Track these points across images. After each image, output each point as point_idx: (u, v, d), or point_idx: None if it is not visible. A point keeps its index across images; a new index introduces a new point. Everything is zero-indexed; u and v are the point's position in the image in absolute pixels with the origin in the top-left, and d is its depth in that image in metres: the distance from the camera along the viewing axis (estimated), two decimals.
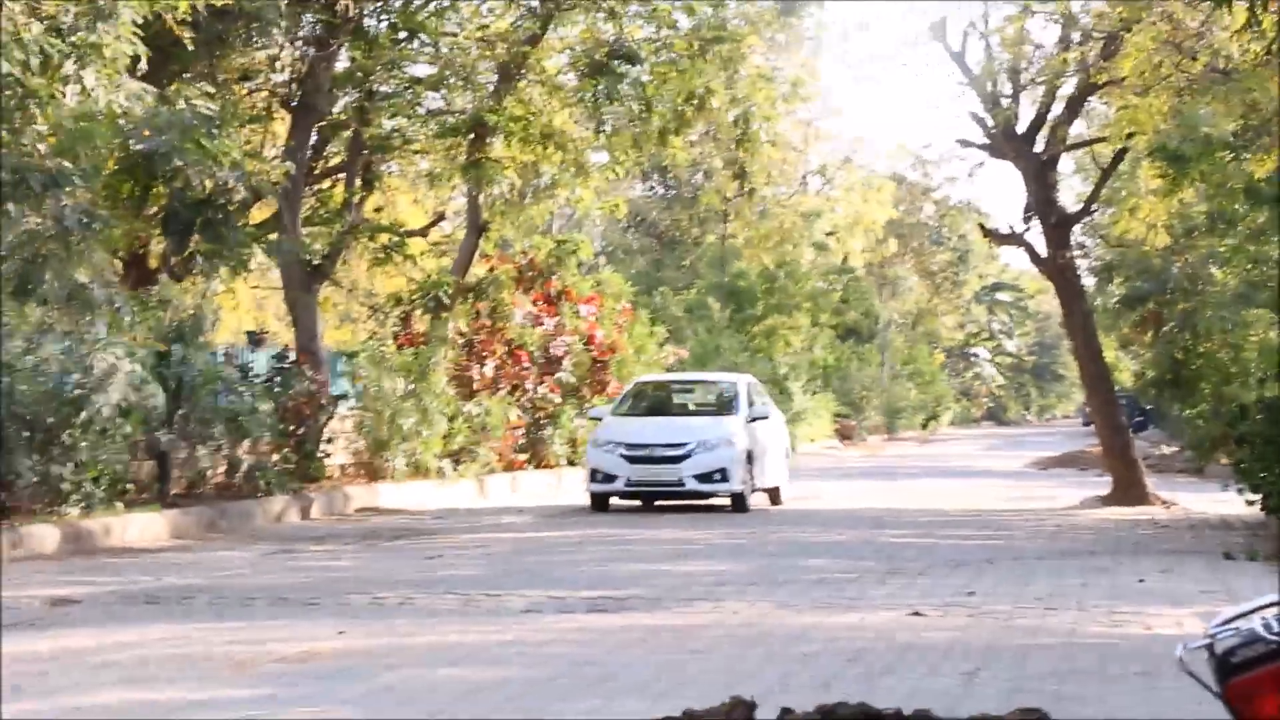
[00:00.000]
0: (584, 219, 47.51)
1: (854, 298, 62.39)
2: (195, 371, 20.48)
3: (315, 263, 25.33)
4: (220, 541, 17.97)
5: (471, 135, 26.55)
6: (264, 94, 26.47)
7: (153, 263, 24.42)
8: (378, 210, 29.22)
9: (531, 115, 26.55)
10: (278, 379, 23.13)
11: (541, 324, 30.90)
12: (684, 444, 22.73)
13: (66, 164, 16.11)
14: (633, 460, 22.69)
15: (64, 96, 16.20)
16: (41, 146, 16.40)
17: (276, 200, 23.89)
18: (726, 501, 23.02)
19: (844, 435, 58.78)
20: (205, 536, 18.58)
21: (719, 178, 47.83)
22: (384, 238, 27.23)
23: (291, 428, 22.95)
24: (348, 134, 26.76)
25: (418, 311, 28.56)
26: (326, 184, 28.05)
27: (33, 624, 11.11)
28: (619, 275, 38.28)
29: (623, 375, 32.39)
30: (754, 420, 23.84)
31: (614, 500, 23.30)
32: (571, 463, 30.58)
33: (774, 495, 24.67)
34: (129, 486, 18.95)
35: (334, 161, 27.87)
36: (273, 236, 23.00)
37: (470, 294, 29.09)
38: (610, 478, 22.80)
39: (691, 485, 22.65)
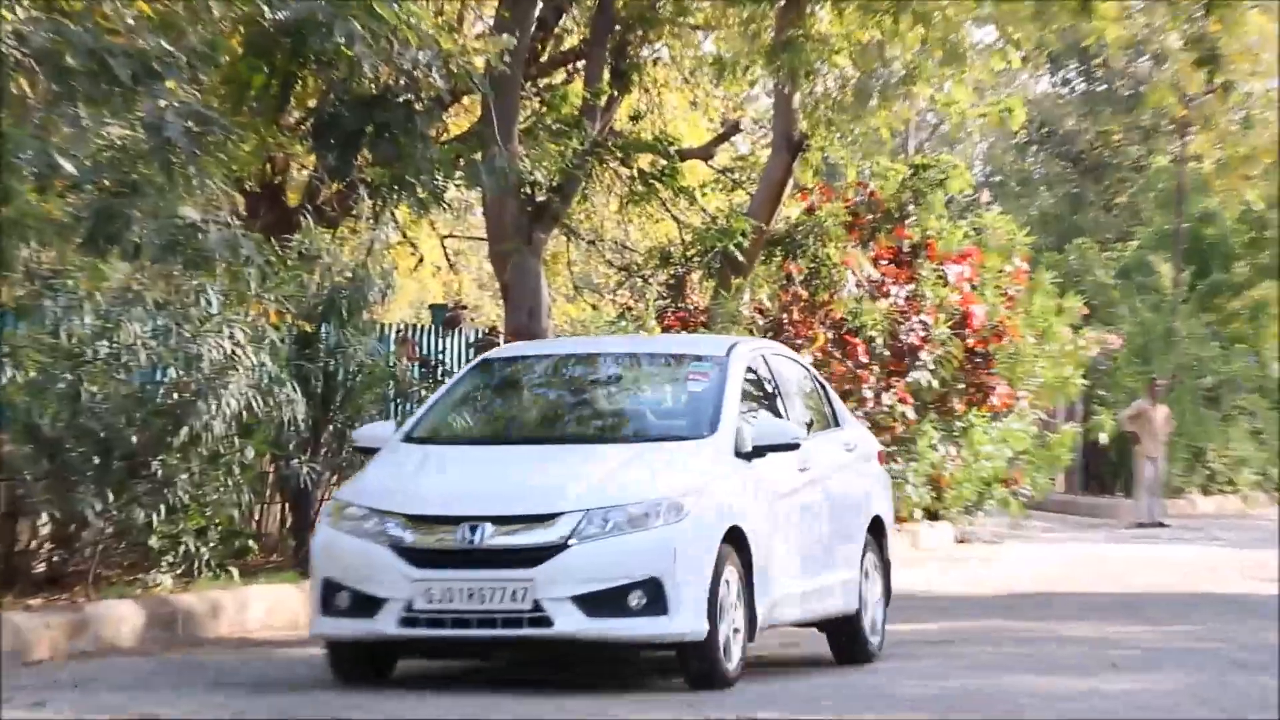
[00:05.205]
0: (957, 133, 47.19)
1: None
2: (354, 365, 20.58)
3: (539, 199, 25.29)
4: None
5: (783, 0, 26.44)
6: None
7: (293, 197, 24.63)
8: (636, 119, 29.26)
9: None
10: None
11: (888, 295, 30.68)
12: (550, 515, 14.12)
13: (167, 44, 16.13)
14: (419, 558, 14.16)
15: None
16: (131, 18, 16.44)
17: (482, 101, 23.88)
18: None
19: None
20: None
21: (1175, 64, 47.07)
22: (645, 160, 27.16)
23: None
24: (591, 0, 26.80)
25: (695, 275, 28.52)
26: (558, 77, 28.07)
27: None
28: (1010, 220, 37.92)
29: (1016, 375, 32.09)
30: (757, 453, 15.21)
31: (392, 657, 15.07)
32: (933, 515, 30.21)
33: (845, 633, 16.76)
34: (250, 543, 19.23)
35: (569, 44, 27.91)
36: (477, 156, 22.97)
37: (777, 248, 28.96)
38: (365, 602, 14.21)
39: (565, 621, 13.89)
